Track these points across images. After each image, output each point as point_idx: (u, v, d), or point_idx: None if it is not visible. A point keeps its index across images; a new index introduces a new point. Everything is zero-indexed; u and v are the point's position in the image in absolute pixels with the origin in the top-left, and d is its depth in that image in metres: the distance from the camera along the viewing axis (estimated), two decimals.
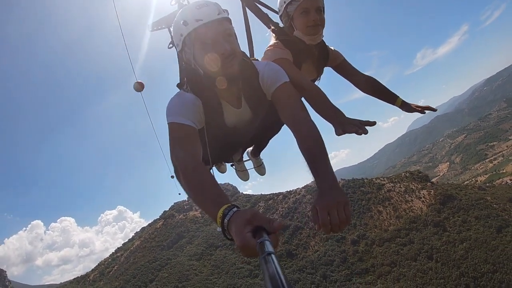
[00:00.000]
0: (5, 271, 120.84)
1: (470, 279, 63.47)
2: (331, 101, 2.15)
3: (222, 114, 2.00)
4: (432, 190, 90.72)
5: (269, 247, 0.99)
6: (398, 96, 2.75)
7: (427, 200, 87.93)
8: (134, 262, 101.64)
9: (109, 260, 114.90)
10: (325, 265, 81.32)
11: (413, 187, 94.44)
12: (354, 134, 1.91)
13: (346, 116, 2.07)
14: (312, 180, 1.59)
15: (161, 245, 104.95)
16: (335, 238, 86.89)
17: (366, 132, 1.91)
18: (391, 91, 2.79)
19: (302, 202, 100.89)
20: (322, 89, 2.23)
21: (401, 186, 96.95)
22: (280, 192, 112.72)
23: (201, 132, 1.93)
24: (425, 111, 2.72)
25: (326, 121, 2.16)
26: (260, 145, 3.22)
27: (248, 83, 1.96)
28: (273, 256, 0.92)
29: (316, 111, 2.17)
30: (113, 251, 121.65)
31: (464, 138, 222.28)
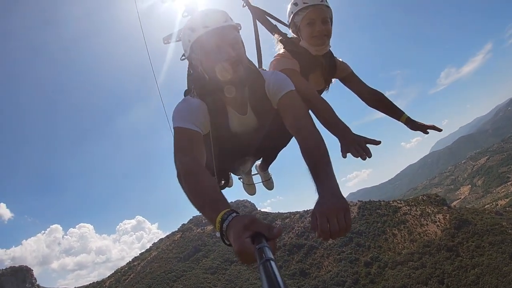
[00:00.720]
0: (32, 269, 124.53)
1: None
2: (337, 115, 2.16)
3: (227, 119, 2.02)
4: (447, 214, 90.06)
5: (268, 254, 0.95)
6: (404, 112, 2.72)
7: (442, 225, 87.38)
8: (150, 272, 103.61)
9: (126, 268, 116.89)
10: (337, 286, 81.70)
11: (429, 211, 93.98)
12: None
13: (353, 132, 2.07)
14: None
15: (178, 257, 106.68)
16: (349, 259, 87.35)
17: (370, 156, 1.94)
18: (397, 107, 2.78)
19: None
20: (329, 102, 2.23)
21: (417, 209, 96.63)
22: (297, 211, 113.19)
23: (207, 138, 1.95)
24: (428, 130, 2.65)
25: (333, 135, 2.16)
26: (268, 158, 3.20)
27: (254, 90, 2.00)
28: (272, 262, 0.89)
29: (321, 123, 2.17)
30: (130, 260, 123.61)
31: (487, 160, 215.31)
